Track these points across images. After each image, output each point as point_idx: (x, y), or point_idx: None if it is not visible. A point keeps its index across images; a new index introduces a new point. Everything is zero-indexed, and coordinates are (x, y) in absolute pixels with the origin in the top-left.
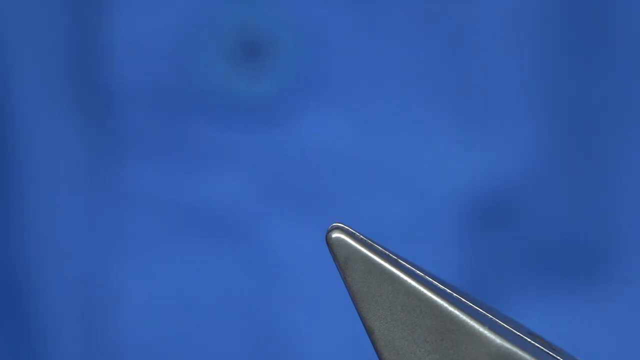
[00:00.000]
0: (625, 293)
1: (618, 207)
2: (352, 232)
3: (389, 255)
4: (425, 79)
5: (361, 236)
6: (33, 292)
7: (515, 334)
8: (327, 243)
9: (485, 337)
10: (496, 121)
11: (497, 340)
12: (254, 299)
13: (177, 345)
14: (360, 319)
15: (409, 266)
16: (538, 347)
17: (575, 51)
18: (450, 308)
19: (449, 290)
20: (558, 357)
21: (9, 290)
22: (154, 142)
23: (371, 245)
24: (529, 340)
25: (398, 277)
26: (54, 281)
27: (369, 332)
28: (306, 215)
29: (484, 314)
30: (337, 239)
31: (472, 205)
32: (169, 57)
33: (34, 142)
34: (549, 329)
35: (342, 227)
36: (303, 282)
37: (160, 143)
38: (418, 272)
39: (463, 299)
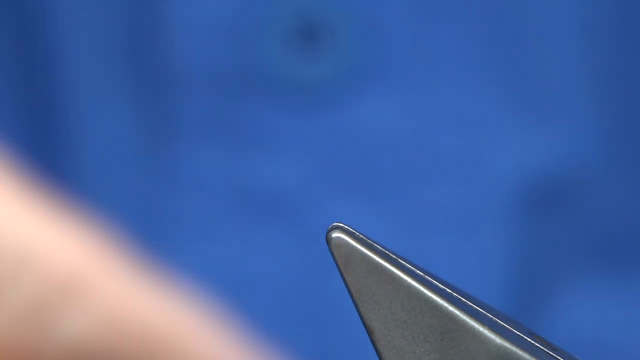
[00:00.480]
0: None
1: None
2: (352, 232)
3: (389, 255)
4: (482, 63)
5: (361, 236)
6: None
7: (515, 333)
8: (327, 243)
9: (485, 336)
10: (553, 104)
11: (497, 340)
12: (309, 279)
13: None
14: (360, 318)
15: (409, 266)
16: (538, 347)
17: (634, 32)
18: (451, 308)
19: (449, 290)
20: (558, 357)
21: None
22: (210, 124)
23: (371, 245)
24: (529, 340)
25: (398, 277)
26: None
27: (369, 332)
28: (360, 197)
29: (484, 314)
30: (337, 238)
31: (527, 190)
32: (227, 40)
33: (91, 123)
34: (601, 318)
35: (342, 226)
36: None
37: (216, 125)
38: (418, 272)
39: (463, 299)
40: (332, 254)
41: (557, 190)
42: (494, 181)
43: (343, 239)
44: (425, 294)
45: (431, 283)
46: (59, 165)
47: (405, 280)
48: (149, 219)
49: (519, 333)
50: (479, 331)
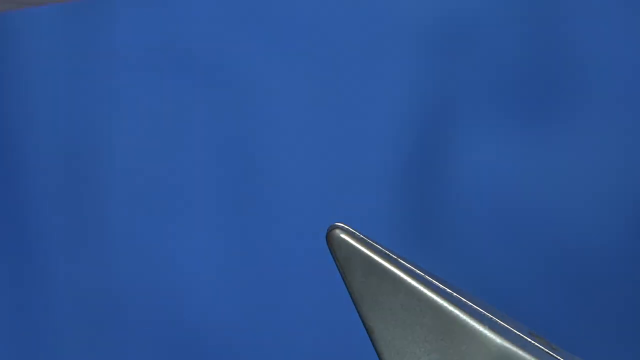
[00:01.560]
0: (584, 117)
1: (578, 34)
2: (352, 232)
3: (389, 255)
4: None
5: (361, 236)
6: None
7: (515, 333)
8: (328, 243)
9: (485, 336)
10: None
11: (497, 340)
12: (232, 122)
13: (167, 162)
14: (361, 318)
15: (409, 266)
16: (538, 346)
17: None
18: (450, 308)
19: (449, 290)
20: (558, 357)
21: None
22: None
23: (371, 245)
24: (529, 340)
25: (398, 277)
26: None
27: (369, 332)
28: (278, 42)
29: (484, 314)
30: (338, 238)
31: (435, 30)
32: None
33: None
34: (507, 155)
35: (343, 226)
36: (277, 103)
37: None
38: (418, 271)
39: (463, 299)
40: (332, 253)
41: (460, 33)
42: (403, 21)
43: (343, 239)
44: (425, 294)
45: (431, 283)
46: None
47: (405, 280)
48: (78, 80)
49: (519, 333)
50: (479, 331)
